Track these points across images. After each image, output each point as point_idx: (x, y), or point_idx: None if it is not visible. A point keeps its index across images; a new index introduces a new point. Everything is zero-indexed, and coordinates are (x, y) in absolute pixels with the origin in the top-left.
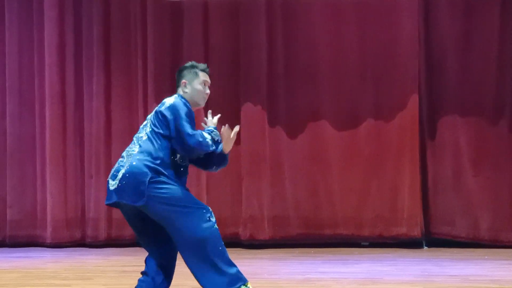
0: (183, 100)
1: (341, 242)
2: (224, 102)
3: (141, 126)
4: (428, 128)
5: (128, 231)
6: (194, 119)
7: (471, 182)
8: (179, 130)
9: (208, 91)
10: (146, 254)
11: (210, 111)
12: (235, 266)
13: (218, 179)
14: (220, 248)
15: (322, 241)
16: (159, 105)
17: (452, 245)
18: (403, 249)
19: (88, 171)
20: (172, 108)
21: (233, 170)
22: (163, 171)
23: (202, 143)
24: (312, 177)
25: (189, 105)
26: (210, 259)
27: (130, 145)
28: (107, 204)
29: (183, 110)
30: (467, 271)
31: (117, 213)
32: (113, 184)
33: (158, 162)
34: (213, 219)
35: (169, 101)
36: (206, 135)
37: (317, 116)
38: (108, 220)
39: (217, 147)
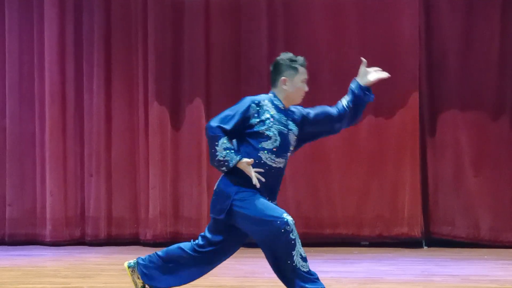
0: (271, 96)
1: (341, 241)
2: (225, 101)
3: None
4: (428, 127)
5: (128, 230)
6: (242, 116)
7: (472, 181)
8: None
9: (307, 88)
10: (144, 252)
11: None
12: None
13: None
14: (299, 256)
15: (322, 241)
16: None
17: (452, 245)
18: (403, 248)
19: (88, 169)
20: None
21: None
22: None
23: (209, 135)
24: (312, 177)
25: (259, 100)
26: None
27: None
28: None
29: (240, 104)
30: (467, 270)
31: (117, 212)
32: None
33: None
34: (289, 228)
35: None
36: (221, 145)
37: None
38: (108, 219)
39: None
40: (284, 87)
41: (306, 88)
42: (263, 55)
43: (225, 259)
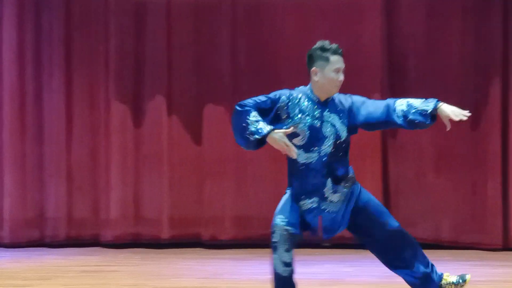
0: (306, 89)
1: (303, 243)
2: (187, 102)
3: None
4: (390, 128)
5: (89, 231)
6: (271, 103)
7: (433, 183)
8: None
9: (342, 77)
10: (105, 253)
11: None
12: None
13: (181, 179)
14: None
15: None
16: None
17: None
18: (365, 250)
19: (48, 169)
20: None
21: (196, 170)
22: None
23: (237, 110)
24: (276, 177)
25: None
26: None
27: None
28: None
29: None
30: None
31: (77, 213)
32: None
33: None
34: (275, 238)
35: None
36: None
37: None
38: (68, 220)
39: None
40: (316, 78)
41: (342, 77)
42: (225, 56)
43: None
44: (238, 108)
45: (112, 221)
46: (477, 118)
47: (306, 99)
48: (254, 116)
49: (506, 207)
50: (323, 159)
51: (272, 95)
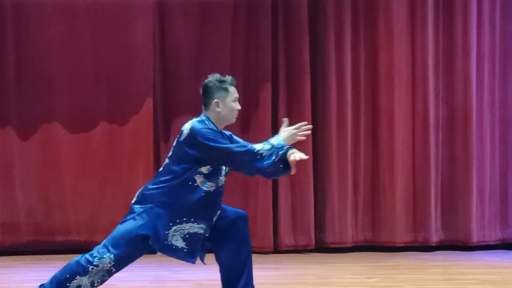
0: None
1: (74, 248)
2: None
3: None
4: (162, 133)
5: None
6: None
7: None
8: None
9: (239, 106)
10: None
11: (286, 118)
12: None
13: None
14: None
15: (54, 248)
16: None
17: None
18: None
19: None
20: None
21: None
22: None
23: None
24: (44, 183)
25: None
26: None
27: None
28: None
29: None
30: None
31: None
32: None
33: None
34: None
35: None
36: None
37: (50, 120)
38: None
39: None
40: (218, 109)
41: (239, 107)
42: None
43: None
44: (245, 157)
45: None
46: (247, 122)
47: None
48: (257, 145)
49: (275, 211)
50: (220, 189)
51: (218, 136)
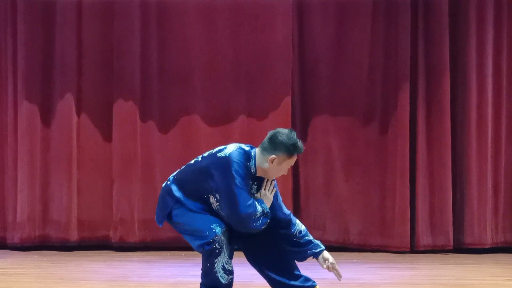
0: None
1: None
2: (97, 103)
3: None
4: (300, 131)
5: None
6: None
7: (342, 187)
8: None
9: (286, 173)
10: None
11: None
12: None
13: (89, 182)
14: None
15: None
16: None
17: None
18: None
19: None
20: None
21: (104, 172)
22: None
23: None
24: None
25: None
26: None
27: None
28: None
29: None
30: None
31: None
32: None
33: None
34: (216, 245)
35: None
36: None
37: (190, 117)
38: None
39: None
40: (270, 164)
41: (286, 173)
42: (135, 58)
43: None
44: (246, 221)
45: (19, 224)
46: (386, 122)
47: (243, 166)
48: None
49: (413, 210)
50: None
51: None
